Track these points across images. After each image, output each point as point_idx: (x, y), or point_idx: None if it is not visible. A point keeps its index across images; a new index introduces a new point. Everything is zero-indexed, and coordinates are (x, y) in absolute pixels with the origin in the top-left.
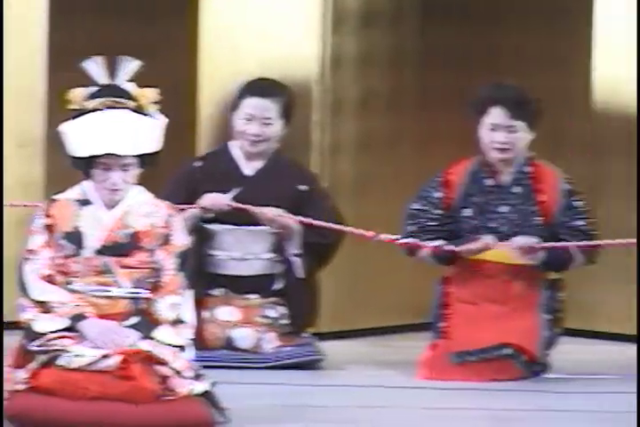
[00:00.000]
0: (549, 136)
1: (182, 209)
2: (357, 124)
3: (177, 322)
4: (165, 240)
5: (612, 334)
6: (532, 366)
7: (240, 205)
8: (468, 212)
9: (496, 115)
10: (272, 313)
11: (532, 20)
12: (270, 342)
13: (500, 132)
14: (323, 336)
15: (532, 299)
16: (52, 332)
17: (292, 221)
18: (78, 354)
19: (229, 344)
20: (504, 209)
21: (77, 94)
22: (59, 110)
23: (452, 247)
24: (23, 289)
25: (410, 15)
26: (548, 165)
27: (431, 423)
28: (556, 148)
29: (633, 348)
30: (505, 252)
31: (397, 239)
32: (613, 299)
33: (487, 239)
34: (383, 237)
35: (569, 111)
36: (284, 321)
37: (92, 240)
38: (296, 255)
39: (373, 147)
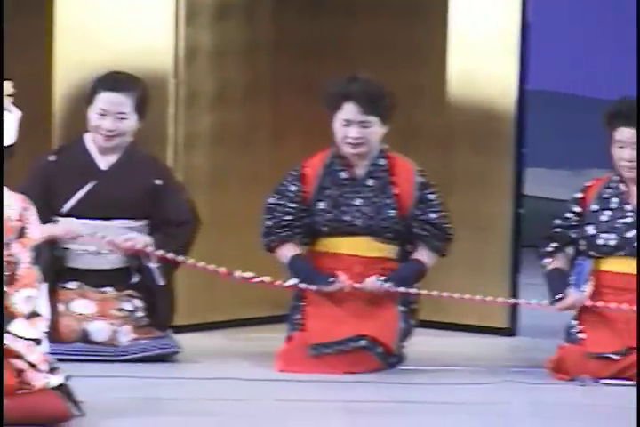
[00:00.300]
0: (403, 129)
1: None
2: (212, 117)
3: (32, 315)
4: (20, 233)
5: (464, 325)
6: (387, 358)
7: (95, 235)
8: (322, 205)
9: (349, 110)
10: (128, 306)
11: (387, 12)
12: (126, 335)
13: (353, 127)
14: (179, 329)
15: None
16: None
17: (147, 250)
18: None
19: (85, 337)
20: (358, 202)
21: None
22: None
23: (305, 286)
24: None
25: (263, 7)
26: (403, 157)
27: (284, 415)
28: (410, 140)
29: (484, 339)
30: (360, 244)
31: (252, 278)
32: (465, 290)
33: (342, 284)
34: (237, 275)
35: (423, 104)
36: (140, 314)
37: None
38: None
39: (229, 139)
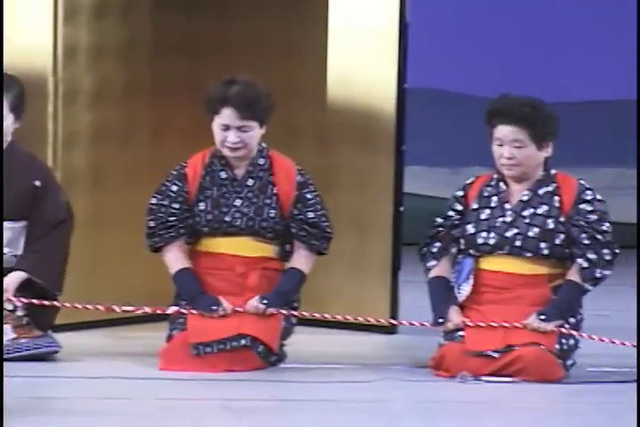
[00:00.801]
0: (284, 128)
1: None
2: (91, 116)
3: None
4: None
5: (344, 323)
6: (269, 357)
7: None
8: (202, 205)
9: (227, 116)
10: (8, 305)
11: (266, 11)
12: (6, 335)
13: (231, 131)
14: (58, 328)
15: (268, 290)
16: None
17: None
18: None
19: None
20: (238, 202)
21: None
22: None
23: (187, 311)
24: None
25: (141, 5)
26: (283, 156)
27: (165, 414)
28: (291, 139)
29: (365, 337)
30: (241, 244)
31: (134, 310)
32: (346, 288)
33: (225, 310)
34: (117, 308)
35: (303, 103)
36: (20, 313)
37: None
38: None
39: (108, 138)
